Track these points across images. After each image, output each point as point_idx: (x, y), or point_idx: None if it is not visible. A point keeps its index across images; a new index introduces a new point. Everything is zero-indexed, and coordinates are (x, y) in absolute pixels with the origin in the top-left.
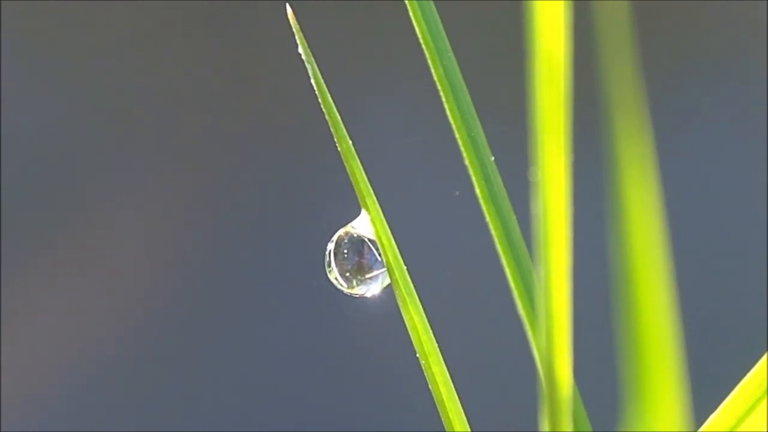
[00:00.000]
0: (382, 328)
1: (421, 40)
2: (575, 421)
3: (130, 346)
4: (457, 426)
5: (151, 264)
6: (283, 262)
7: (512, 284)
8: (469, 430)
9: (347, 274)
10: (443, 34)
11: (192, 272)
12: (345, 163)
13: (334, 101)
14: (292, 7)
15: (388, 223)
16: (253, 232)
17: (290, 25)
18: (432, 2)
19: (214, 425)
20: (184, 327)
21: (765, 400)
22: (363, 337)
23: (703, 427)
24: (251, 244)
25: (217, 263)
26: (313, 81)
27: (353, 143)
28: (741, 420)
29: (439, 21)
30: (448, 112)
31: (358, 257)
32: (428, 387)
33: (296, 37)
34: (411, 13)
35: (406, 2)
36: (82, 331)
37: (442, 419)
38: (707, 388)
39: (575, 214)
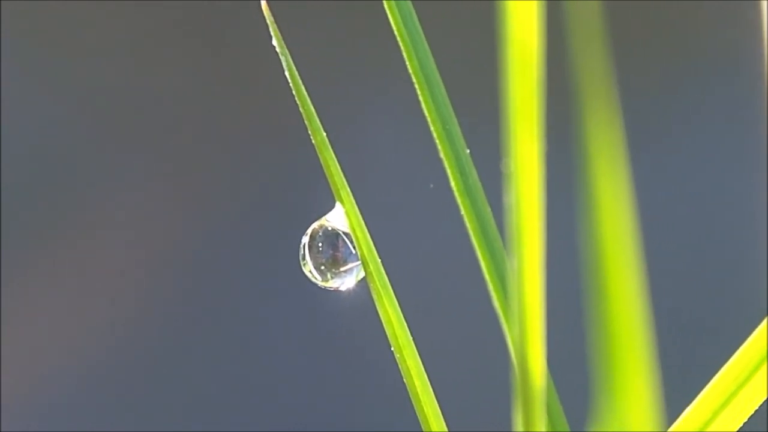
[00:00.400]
0: (357, 321)
1: (396, 33)
2: (549, 412)
3: (130, 345)
4: (431, 419)
5: (151, 264)
6: (282, 262)
7: (487, 276)
8: (443, 423)
9: (322, 267)
10: (418, 26)
11: (192, 272)
12: (319, 155)
13: (309, 94)
14: (269, 5)
15: (362, 215)
16: (253, 233)
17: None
18: None
19: (214, 425)
20: (184, 327)
21: (736, 398)
22: (338, 331)
23: (676, 423)
24: (251, 244)
25: (217, 263)
26: (287, 73)
27: (328, 136)
28: (711, 420)
29: (414, 13)
30: (423, 105)
31: (333, 250)
32: (403, 380)
33: (270, 29)
34: (386, 6)
35: None
36: (82, 331)
37: (417, 412)
38: (684, 384)
39: (549, 206)
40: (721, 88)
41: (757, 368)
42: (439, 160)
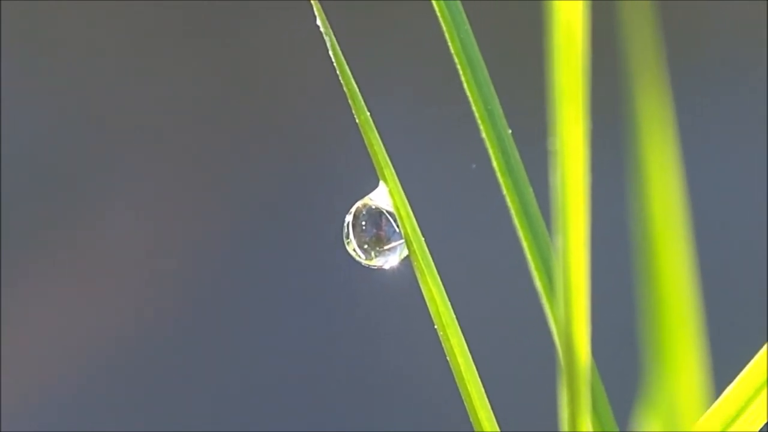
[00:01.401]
0: (400, 298)
1: (438, 14)
2: (593, 392)
3: (131, 346)
4: (475, 397)
5: (152, 264)
6: (284, 263)
7: (529, 256)
8: (486, 400)
9: (365, 246)
10: (460, 6)
11: (192, 273)
12: (363, 135)
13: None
14: None
15: (405, 195)
16: (254, 235)
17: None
18: None
19: (214, 426)
20: (185, 328)
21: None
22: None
23: (712, 407)
24: (252, 246)
25: (218, 264)
26: (331, 53)
27: (371, 115)
28: (736, 417)
29: None
30: (465, 85)
31: (376, 229)
32: (445, 358)
33: (314, 8)
34: None
35: None
36: (82, 331)
37: (460, 390)
38: (726, 366)
39: (593, 186)
40: (725, 89)
41: None
42: (481, 140)
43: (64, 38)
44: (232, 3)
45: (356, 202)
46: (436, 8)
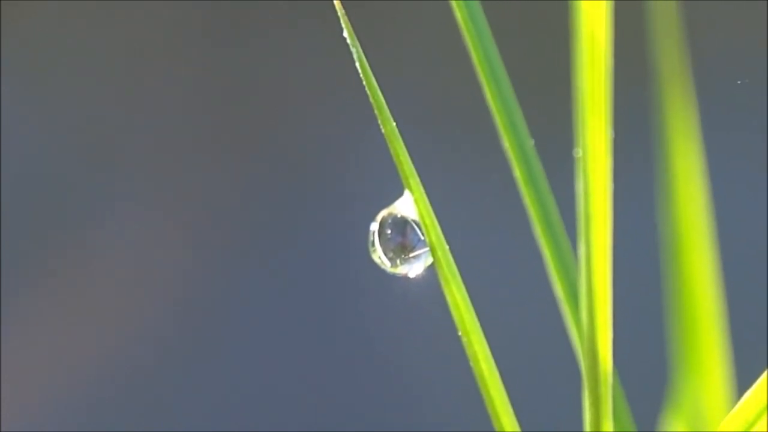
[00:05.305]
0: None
1: (461, 24)
2: (614, 399)
3: (132, 349)
4: (497, 402)
5: (154, 271)
6: (284, 272)
7: (550, 264)
8: (509, 406)
9: (390, 254)
10: (483, 18)
11: (194, 279)
12: (389, 145)
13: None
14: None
15: (430, 203)
16: (255, 244)
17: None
18: None
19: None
20: (186, 332)
21: None
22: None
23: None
24: (253, 256)
25: (220, 272)
26: (358, 65)
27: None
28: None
29: (479, 6)
30: (488, 96)
31: (402, 237)
32: (469, 364)
33: (341, 21)
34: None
35: None
36: (83, 333)
37: (483, 395)
38: (751, 369)
39: (617, 194)
40: (726, 89)
41: None
42: (504, 151)
43: (66, 44)
44: (236, 8)
45: (381, 210)
46: (459, 19)
